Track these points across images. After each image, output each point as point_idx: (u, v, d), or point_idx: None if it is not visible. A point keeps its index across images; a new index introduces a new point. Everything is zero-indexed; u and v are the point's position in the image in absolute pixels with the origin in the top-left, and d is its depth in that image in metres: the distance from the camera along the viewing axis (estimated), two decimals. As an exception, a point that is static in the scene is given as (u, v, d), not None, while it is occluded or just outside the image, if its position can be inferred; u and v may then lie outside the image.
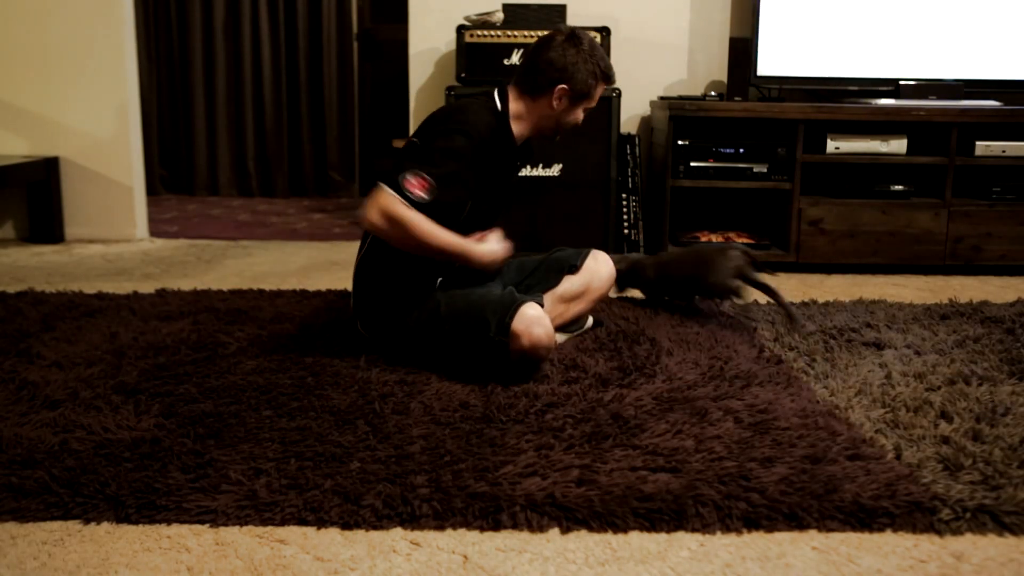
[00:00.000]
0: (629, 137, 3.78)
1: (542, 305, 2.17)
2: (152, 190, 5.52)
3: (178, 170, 5.92)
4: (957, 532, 1.50)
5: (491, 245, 2.20)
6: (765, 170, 3.59)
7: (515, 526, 1.49)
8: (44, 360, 2.24)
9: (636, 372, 2.21)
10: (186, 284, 3.17)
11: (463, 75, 3.59)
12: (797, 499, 1.56)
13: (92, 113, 4.00)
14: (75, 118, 4.01)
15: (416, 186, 2.06)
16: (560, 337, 2.45)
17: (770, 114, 3.54)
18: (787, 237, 3.59)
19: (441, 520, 1.50)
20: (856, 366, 2.31)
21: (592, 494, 1.56)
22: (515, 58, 3.55)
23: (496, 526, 1.49)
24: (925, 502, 1.55)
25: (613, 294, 2.93)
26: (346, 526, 1.48)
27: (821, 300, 3.04)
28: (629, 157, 3.76)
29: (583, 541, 1.46)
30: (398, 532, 1.47)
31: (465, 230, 2.24)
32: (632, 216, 3.75)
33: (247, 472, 1.63)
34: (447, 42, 3.88)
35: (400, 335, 2.27)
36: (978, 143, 3.56)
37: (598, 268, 2.50)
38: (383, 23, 6.06)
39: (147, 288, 3.09)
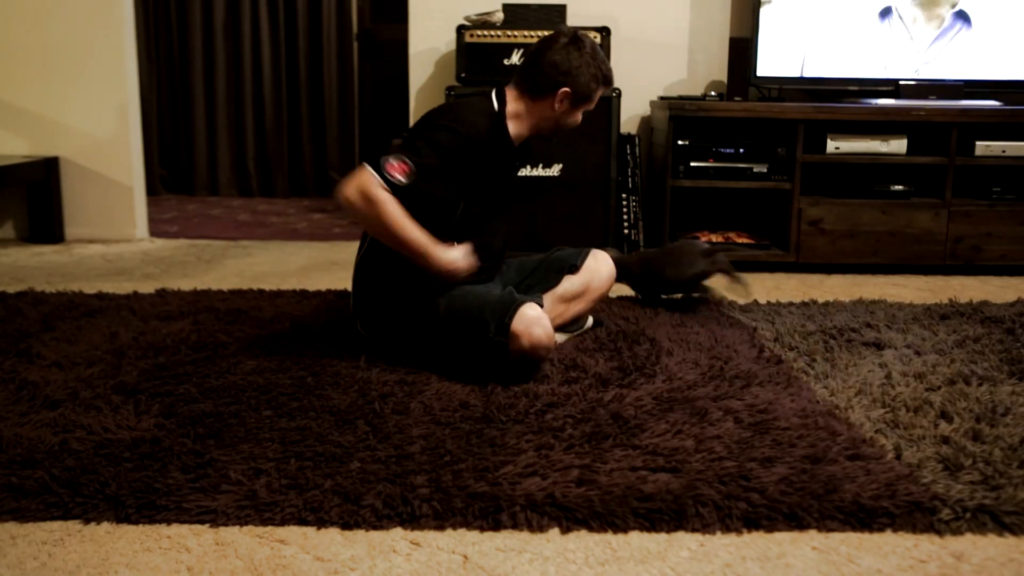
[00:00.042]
0: (629, 137, 3.78)
1: (541, 305, 2.17)
2: (152, 190, 5.52)
3: (178, 170, 5.92)
4: (957, 532, 1.50)
5: (454, 255, 2.15)
6: (765, 170, 3.59)
7: (515, 526, 1.49)
8: (44, 360, 2.24)
9: (636, 372, 2.21)
10: (186, 284, 3.17)
11: (463, 75, 3.59)
12: (797, 499, 1.56)
13: (92, 113, 4.00)
14: (75, 118, 4.01)
15: (396, 169, 2.06)
16: (560, 337, 2.45)
17: (770, 114, 3.54)
18: (787, 237, 3.59)
19: (441, 520, 1.50)
20: (856, 366, 2.31)
21: (592, 494, 1.56)
22: (515, 58, 3.55)
23: (496, 526, 1.49)
24: (925, 502, 1.55)
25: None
26: (346, 526, 1.48)
27: (821, 300, 3.04)
28: (629, 157, 3.76)
29: (583, 541, 1.46)
30: (398, 532, 1.47)
31: (462, 230, 2.24)
32: (632, 216, 3.75)
33: (247, 472, 1.63)
34: (447, 42, 3.88)
35: (400, 335, 2.27)
36: (978, 143, 3.56)
37: (598, 268, 2.50)
38: (383, 23, 6.06)
39: (147, 288, 3.09)
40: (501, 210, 2.39)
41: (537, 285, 2.42)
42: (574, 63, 2.22)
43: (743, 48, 3.74)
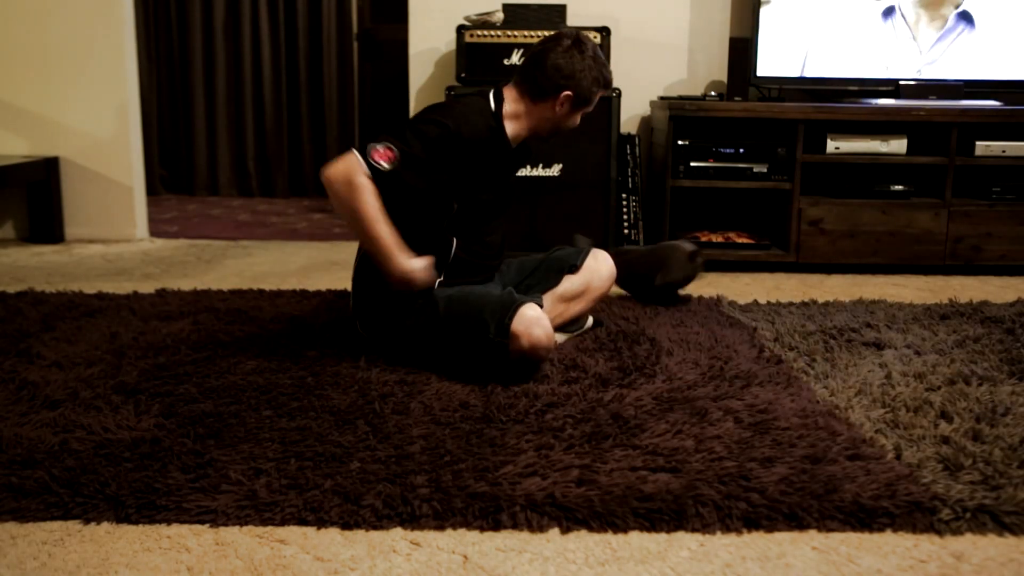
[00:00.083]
0: (629, 137, 3.78)
1: (541, 305, 2.17)
2: (152, 190, 5.52)
3: (178, 170, 5.92)
4: (957, 532, 1.50)
5: (415, 265, 2.13)
6: (765, 170, 3.59)
7: (515, 526, 1.49)
8: (44, 360, 2.24)
9: (636, 372, 2.21)
10: (186, 284, 3.17)
11: (463, 75, 3.59)
12: (797, 499, 1.56)
13: (92, 113, 4.00)
14: (75, 118, 4.01)
15: (381, 155, 2.06)
16: (560, 337, 2.45)
17: (770, 114, 3.54)
18: (787, 237, 3.59)
19: (441, 520, 1.50)
20: (856, 366, 2.31)
21: (592, 494, 1.56)
22: (515, 58, 3.55)
23: (496, 526, 1.49)
24: (925, 502, 1.55)
25: None
26: (346, 526, 1.48)
27: (821, 300, 3.04)
28: (629, 157, 3.76)
29: (583, 541, 1.46)
30: (398, 532, 1.47)
31: (460, 230, 2.24)
32: (632, 216, 3.75)
33: (247, 472, 1.63)
34: (447, 42, 3.88)
35: (399, 336, 2.27)
36: (978, 143, 3.56)
37: (598, 267, 2.50)
38: (383, 23, 6.06)
39: (147, 288, 3.09)
40: (500, 210, 2.39)
41: (537, 285, 2.42)
42: (577, 66, 2.22)
43: (743, 48, 3.73)
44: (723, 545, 1.46)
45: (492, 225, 2.36)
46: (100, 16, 3.94)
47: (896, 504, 1.55)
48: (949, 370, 2.28)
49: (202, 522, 1.48)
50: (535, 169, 3.56)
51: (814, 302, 3.00)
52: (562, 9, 3.68)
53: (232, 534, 1.46)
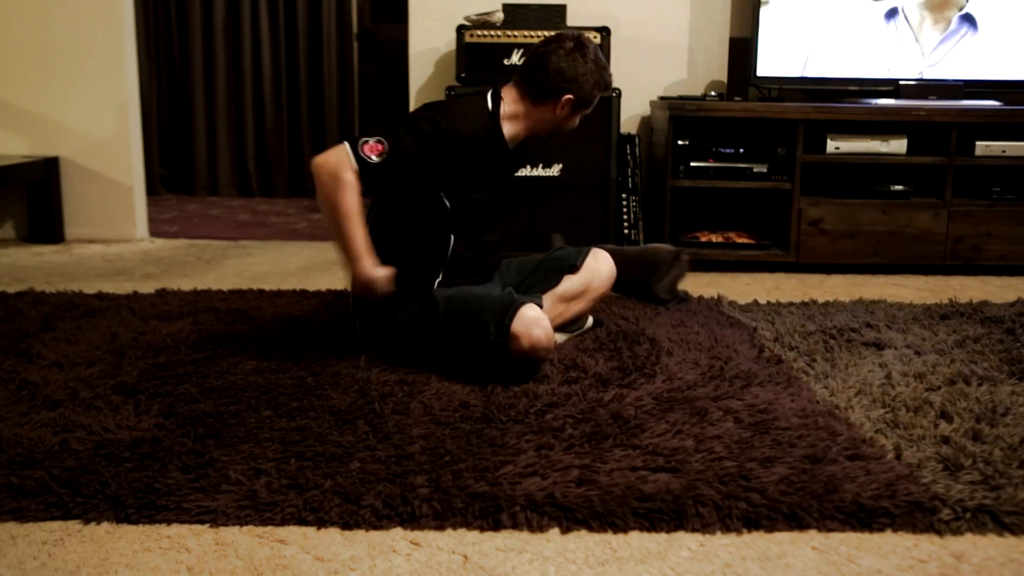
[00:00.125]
0: (629, 137, 3.78)
1: (540, 306, 2.17)
2: (152, 190, 5.52)
3: (178, 170, 5.92)
4: (957, 532, 1.50)
5: (377, 274, 2.14)
6: (765, 170, 3.59)
7: (515, 526, 1.49)
8: (44, 360, 2.24)
9: (636, 372, 2.21)
10: (186, 284, 3.17)
11: (463, 75, 3.59)
12: (797, 499, 1.56)
13: (92, 113, 4.00)
14: (75, 118, 4.01)
15: (371, 149, 2.07)
16: (560, 337, 2.45)
17: (770, 114, 3.54)
18: (787, 237, 3.59)
19: (441, 520, 1.50)
20: (856, 366, 2.31)
21: (592, 494, 1.56)
22: (515, 58, 3.55)
23: (496, 526, 1.49)
24: (925, 502, 1.55)
25: None
26: (346, 526, 1.48)
27: (821, 300, 3.04)
28: (629, 157, 3.76)
29: (583, 541, 1.46)
30: (398, 532, 1.47)
31: (458, 230, 2.24)
32: (632, 216, 3.75)
33: (247, 472, 1.63)
34: (447, 42, 3.88)
35: (398, 337, 2.27)
36: (978, 143, 3.56)
37: (598, 267, 2.49)
38: (383, 23, 6.06)
39: (147, 288, 3.09)
40: (498, 210, 2.39)
41: (537, 285, 2.42)
42: (579, 70, 2.22)
43: (743, 48, 3.73)
44: (723, 545, 1.46)
45: (490, 225, 2.36)
46: (100, 16, 3.94)
47: (896, 504, 1.55)
48: (949, 370, 2.28)
49: (202, 522, 1.48)
50: (535, 169, 3.56)
51: (814, 302, 3.00)
52: (562, 9, 3.68)
53: (232, 534, 1.46)
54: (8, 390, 2.04)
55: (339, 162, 2.06)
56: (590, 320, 2.61)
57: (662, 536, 1.48)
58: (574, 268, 2.46)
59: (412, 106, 3.96)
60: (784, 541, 1.47)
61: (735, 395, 2.06)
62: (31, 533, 1.46)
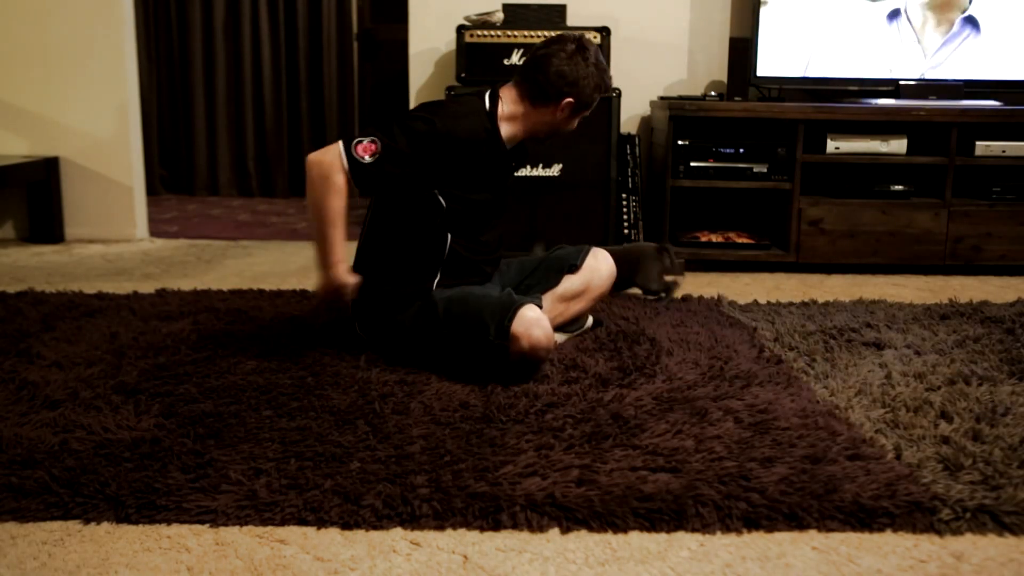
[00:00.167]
0: (629, 137, 3.78)
1: (540, 306, 2.17)
2: (152, 190, 5.52)
3: (178, 170, 5.92)
4: (957, 532, 1.50)
5: (345, 280, 2.17)
6: (765, 170, 3.59)
7: (515, 526, 1.49)
8: (44, 360, 2.24)
9: (636, 372, 2.21)
10: (186, 284, 3.17)
11: (463, 75, 3.59)
12: (797, 499, 1.56)
13: (92, 113, 4.00)
14: (75, 118, 4.01)
15: (364, 149, 2.09)
16: (560, 337, 2.45)
17: (770, 114, 3.54)
18: (787, 237, 3.59)
19: (441, 520, 1.50)
20: (856, 366, 2.31)
21: (592, 494, 1.56)
22: (515, 58, 3.55)
23: (496, 526, 1.49)
24: (925, 502, 1.55)
25: None
26: (346, 526, 1.48)
27: (821, 300, 3.04)
28: (629, 157, 3.76)
29: (583, 541, 1.46)
30: (398, 532, 1.47)
31: (457, 230, 2.24)
32: (632, 216, 3.75)
33: (247, 472, 1.63)
34: (447, 42, 3.88)
35: (398, 337, 2.27)
36: (978, 143, 3.56)
37: (598, 266, 2.49)
38: (383, 23, 6.06)
39: (147, 288, 3.09)
40: (496, 211, 2.38)
41: (537, 285, 2.42)
42: (580, 73, 2.22)
43: (743, 48, 3.73)
44: (723, 545, 1.46)
45: (489, 225, 2.36)
46: (100, 16, 3.94)
47: (896, 504, 1.55)
48: (949, 370, 2.28)
49: (202, 522, 1.48)
50: (535, 169, 3.56)
51: (814, 302, 3.00)
52: (562, 9, 3.68)
53: (232, 534, 1.46)
54: (8, 390, 2.04)
55: (331, 163, 2.08)
56: (590, 320, 2.61)
57: (662, 536, 1.48)
58: (574, 268, 2.45)
59: (412, 106, 3.96)
60: (784, 541, 1.47)
61: (735, 395, 2.06)
62: (31, 533, 1.46)
